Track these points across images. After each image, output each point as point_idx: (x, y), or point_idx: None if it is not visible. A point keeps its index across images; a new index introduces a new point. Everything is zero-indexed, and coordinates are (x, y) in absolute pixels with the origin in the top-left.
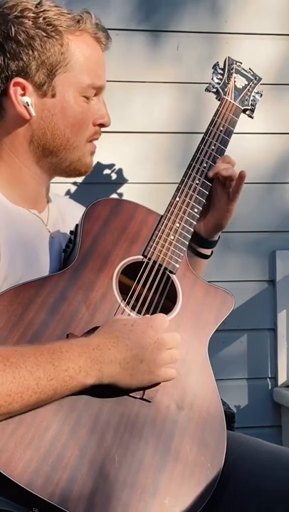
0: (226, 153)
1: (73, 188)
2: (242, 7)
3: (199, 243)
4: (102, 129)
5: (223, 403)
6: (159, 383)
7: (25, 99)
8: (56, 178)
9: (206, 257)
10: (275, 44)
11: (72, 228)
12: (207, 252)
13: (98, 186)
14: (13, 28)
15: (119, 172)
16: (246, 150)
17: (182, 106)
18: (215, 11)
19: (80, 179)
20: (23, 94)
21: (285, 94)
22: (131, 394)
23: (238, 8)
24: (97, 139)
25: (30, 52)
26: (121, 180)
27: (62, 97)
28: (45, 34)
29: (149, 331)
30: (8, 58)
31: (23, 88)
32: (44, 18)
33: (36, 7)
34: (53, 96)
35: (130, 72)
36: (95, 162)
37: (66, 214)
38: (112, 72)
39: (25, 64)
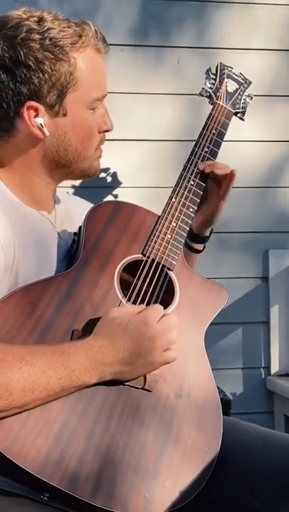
0: (223, 160)
1: (79, 192)
2: (237, 25)
3: (191, 238)
4: (108, 137)
5: (220, 391)
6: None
7: (39, 120)
8: (62, 183)
9: (198, 251)
10: (266, 58)
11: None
12: (199, 247)
13: (103, 190)
14: (21, 53)
15: (123, 177)
16: (242, 156)
17: (182, 116)
18: (212, 28)
19: (85, 183)
20: (36, 116)
21: (277, 105)
22: (132, 384)
23: (233, 26)
24: (103, 143)
25: (41, 75)
26: (124, 184)
27: (73, 114)
28: (53, 56)
29: (142, 328)
30: (20, 83)
31: (36, 110)
32: (50, 39)
33: (39, 24)
34: (65, 115)
35: (134, 84)
36: (101, 169)
37: (73, 212)
38: (117, 84)
39: (37, 87)
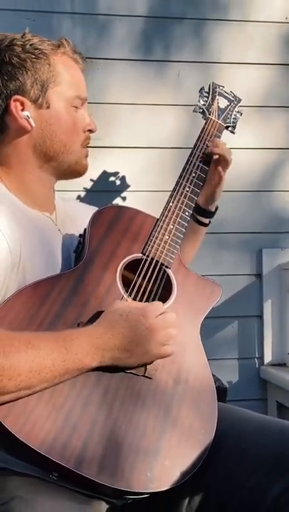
0: None
1: (87, 195)
2: (233, 41)
3: (199, 212)
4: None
5: (217, 379)
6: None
7: (25, 113)
8: (71, 187)
9: (204, 224)
10: (261, 72)
11: (82, 230)
12: (205, 220)
13: (108, 194)
14: (6, 55)
15: (127, 181)
16: (238, 162)
17: (181, 125)
18: (210, 44)
19: (89, 187)
20: (23, 109)
21: (270, 115)
22: (134, 372)
23: (230, 42)
24: (88, 144)
25: (24, 72)
26: (128, 188)
27: (55, 108)
28: (34, 56)
29: (141, 319)
30: (6, 80)
31: (22, 104)
32: (31, 45)
33: (22, 37)
34: (48, 107)
35: (137, 96)
36: (103, 174)
37: (72, 214)
38: (122, 95)
39: (21, 83)
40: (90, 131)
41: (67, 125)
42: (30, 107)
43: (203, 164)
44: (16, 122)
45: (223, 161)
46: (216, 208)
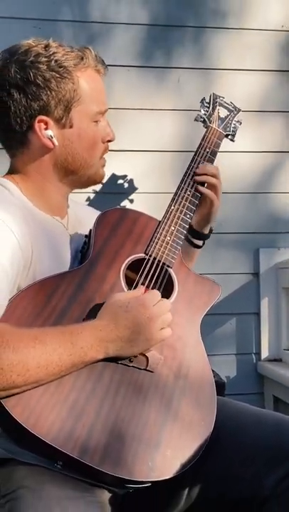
0: (220, 168)
1: (94, 197)
2: (232, 48)
3: (192, 235)
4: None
5: (216, 374)
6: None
7: (49, 132)
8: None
9: (198, 246)
10: (258, 78)
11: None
12: (199, 242)
13: (114, 195)
14: (31, 73)
15: (131, 183)
16: (236, 165)
17: (182, 129)
18: (209, 51)
19: (98, 189)
20: (46, 128)
21: (267, 119)
22: (136, 365)
23: (228, 49)
24: (107, 153)
25: (48, 92)
26: (132, 190)
27: (78, 126)
28: (58, 76)
29: (141, 308)
30: (30, 99)
31: (46, 123)
32: (56, 61)
33: (45, 50)
34: (71, 127)
35: (140, 101)
36: (112, 177)
37: (83, 218)
38: (125, 100)
39: (46, 103)
40: (109, 140)
41: (88, 142)
42: (53, 127)
43: None
44: (40, 141)
45: (212, 187)
46: (211, 231)
